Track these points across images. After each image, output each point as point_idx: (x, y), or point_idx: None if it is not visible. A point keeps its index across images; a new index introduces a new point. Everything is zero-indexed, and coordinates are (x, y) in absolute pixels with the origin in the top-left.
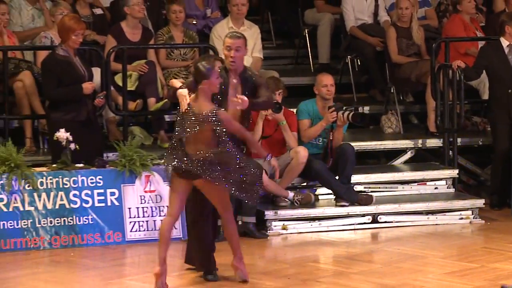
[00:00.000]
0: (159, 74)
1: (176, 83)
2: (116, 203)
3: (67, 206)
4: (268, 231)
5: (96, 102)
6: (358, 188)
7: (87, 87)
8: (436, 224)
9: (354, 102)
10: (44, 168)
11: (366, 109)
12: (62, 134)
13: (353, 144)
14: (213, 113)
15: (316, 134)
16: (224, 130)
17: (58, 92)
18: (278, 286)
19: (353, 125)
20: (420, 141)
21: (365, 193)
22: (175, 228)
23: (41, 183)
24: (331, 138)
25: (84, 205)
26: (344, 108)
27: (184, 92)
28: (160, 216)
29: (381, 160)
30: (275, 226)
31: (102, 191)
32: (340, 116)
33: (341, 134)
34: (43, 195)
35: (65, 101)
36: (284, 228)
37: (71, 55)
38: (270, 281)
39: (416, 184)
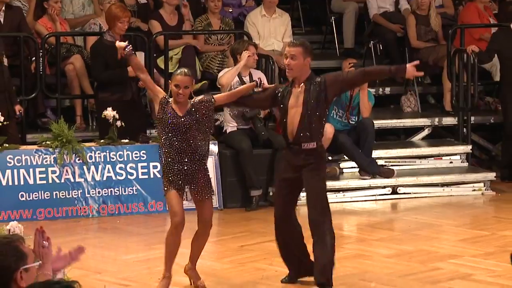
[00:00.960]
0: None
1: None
2: (158, 175)
3: (114, 178)
4: (298, 202)
5: (140, 84)
6: (379, 162)
7: (131, 70)
8: (451, 196)
9: (377, 83)
10: (92, 143)
11: (387, 90)
12: (109, 112)
13: (375, 121)
14: None
15: None
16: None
17: (105, 75)
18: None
19: (375, 104)
20: (436, 119)
21: (387, 167)
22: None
23: (90, 157)
24: (351, 93)
25: (129, 177)
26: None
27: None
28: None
29: (400, 137)
30: (303, 197)
31: (145, 164)
32: None
33: (367, 102)
34: (92, 168)
35: (111, 83)
36: None
37: (117, 41)
38: None
39: (432, 158)
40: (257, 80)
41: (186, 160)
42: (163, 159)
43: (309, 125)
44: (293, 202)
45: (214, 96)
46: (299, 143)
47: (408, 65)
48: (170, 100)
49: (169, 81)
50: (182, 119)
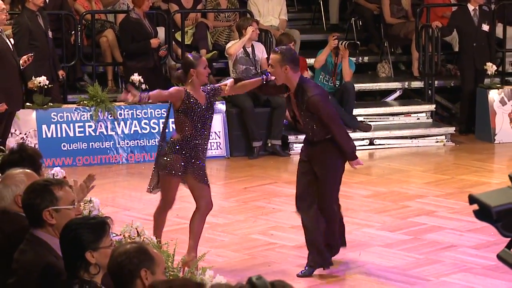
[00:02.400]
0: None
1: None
2: None
3: (140, 132)
4: (291, 151)
5: (160, 53)
6: (359, 118)
7: (153, 42)
8: (418, 146)
9: (357, 53)
10: (122, 103)
11: (366, 58)
12: (136, 77)
13: (355, 85)
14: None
15: (324, 58)
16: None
17: (132, 46)
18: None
19: (356, 71)
20: (406, 83)
21: (365, 123)
22: (220, 149)
23: (120, 114)
24: (335, 62)
25: (152, 130)
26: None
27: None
28: (209, 139)
29: (376, 98)
30: (296, 147)
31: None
32: (340, 45)
33: (348, 69)
34: (122, 123)
35: (137, 53)
36: None
37: (141, 18)
38: (292, 189)
39: (403, 116)
40: (264, 77)
41: (203, 140)
42: (173, 140)
43: (311, 127)
44: (313, 184)
45: (223, 88)
46: (307, 135)
47: (355, 161)
48: (190, 92)
49: (192, 69)
50: (204, 107)
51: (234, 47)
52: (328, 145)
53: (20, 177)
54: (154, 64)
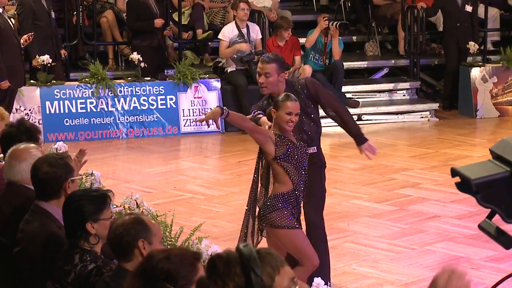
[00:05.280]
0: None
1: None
2: (174, 106)
3: (139, 108)
4: None
5: (165, 32)
6: (348, 95)
7: (157, 22)
8: (404, 122)
9: (346, 33)
10: (122, 80)
11: (354, 38)
12: (135, 56)
13: (344, 63)
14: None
15: (314, 38)
16: None
17: (137, 25)
18: None
19: (344, 49)
20: (393, 61)
21: (353, 99)
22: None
23: (120, 91)
24: (325, 42)
25: (150, 107)
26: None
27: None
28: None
29: (364, 75)
30: None
31: (163, 97)
32: (331, 26)
33: (338, 48)
34: (121, 99)
35: (142, 31)
36: None
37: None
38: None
39: (389, 92)
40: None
41: (301, 187)
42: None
43: (304, 133)
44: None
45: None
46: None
47: (366, 143)
48: (282, 136)
49: (271, 109)
50: (300, 147)
51: (225, 53)
52: (313, 171)
53: (34, 151)
54: (158, 43)
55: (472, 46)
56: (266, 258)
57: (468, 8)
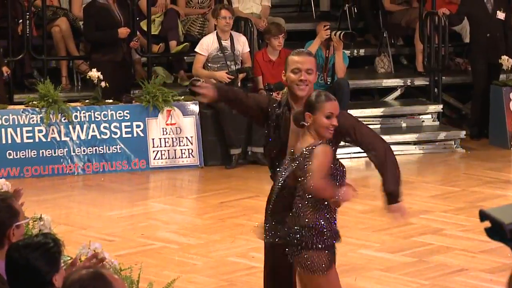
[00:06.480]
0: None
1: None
2: (141, 134)
3: (98, 137)
4: None
5: (131, 44)
6: None
7: (122, 31)
8: (423, 153)
9: (351, 45)
10: (78, 103)
11: (362, 51)
12: (94, 73)
13: (350, 82)
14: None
15: (314, 50)
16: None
17: (96, 35)
18: None
19: (350, 65)
20: (409, 79)
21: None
22: (193, 157)
23: (75, 117)
24: (326, 55)
25: (113, 136)
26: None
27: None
28: (179, 146)
29: (374, 97)
30: None
31: (129, 123)
32: (333, 36)
33: (342, 63)
34: (77, 127)
35: (102, 43)
36: None
37: (109, 3)
38: None
39: (405, 117)
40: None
41: None
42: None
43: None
44: None
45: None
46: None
47: (399, 204)
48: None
49: (310, 112)
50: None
51: (201, 73)
52: None
53: None
54: (123, 57)
55: (506, 61)
56: None
57: (501, 15)
